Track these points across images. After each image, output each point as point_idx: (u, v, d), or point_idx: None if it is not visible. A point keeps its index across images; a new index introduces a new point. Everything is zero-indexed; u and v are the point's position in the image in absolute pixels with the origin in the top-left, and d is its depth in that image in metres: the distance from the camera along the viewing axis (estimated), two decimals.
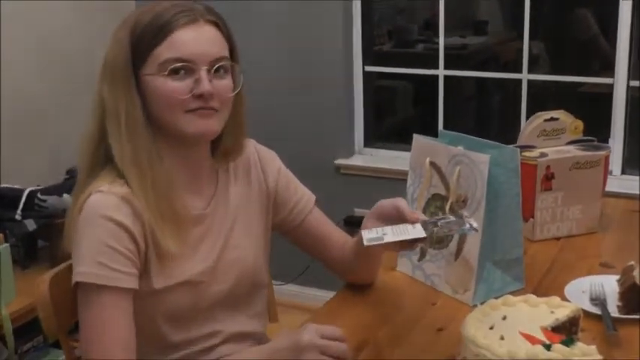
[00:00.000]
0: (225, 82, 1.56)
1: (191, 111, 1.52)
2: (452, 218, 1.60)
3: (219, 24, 1.56)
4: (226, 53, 1.57)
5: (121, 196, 1.50)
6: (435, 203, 1.84)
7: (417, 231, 1.55)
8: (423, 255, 1.88)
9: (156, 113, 1.54)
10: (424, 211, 1.86)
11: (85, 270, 1.48)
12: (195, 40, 1.51)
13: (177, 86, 1.51)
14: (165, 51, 1.50)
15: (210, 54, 1.52)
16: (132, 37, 1.51)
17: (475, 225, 1.57)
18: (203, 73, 1.51)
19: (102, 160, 1.55)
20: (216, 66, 1.53)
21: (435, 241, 1.82)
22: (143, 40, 1.51)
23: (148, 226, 1.51)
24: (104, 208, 1.49)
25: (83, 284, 1.48)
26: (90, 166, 1.56)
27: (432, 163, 1.84)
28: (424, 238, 1.55)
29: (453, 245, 1.79)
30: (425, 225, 1.56)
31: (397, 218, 1.61)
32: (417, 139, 1.91)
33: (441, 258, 1.83)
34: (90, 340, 1.48)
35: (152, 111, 1.54)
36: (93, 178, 1.54)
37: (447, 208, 1.79)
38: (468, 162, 1.75)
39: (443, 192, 1.82)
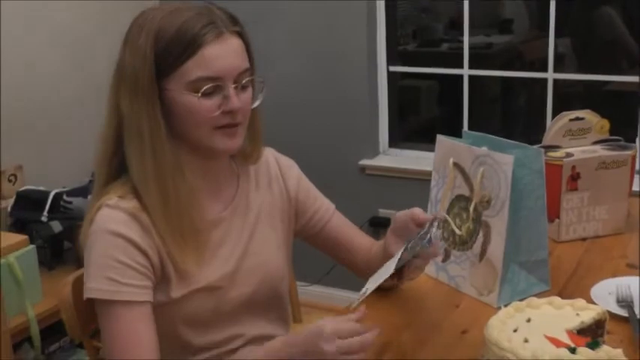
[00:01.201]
0: (248, 95, 1.55)
1: (219, 127, 1.51)
2: (426, 230, 1.58)
3: (241, 33, 1.54)
4: (248, 63, 1.55)
5: (128, 212, 1.49)
6: (459, 204, 1.83)
7: (390, 266, 1.52)
8: (447, 256, 1.87)
9: (180, 128, 1.52)
10: (448, 212, 1.85)
11: (94, 286, 1.48)
12: (223, 55, 1.48)
13: (208, 105, 1.48)
14: (195, 68, 1.46)
15: (236, 67, 1.50)
16: (156, 49, 1.46)
17: (432, 236, 1.56)
18: (232, 90, 1.49)
19: (116, 169, 1.54)
20: (243, 82, 1.52)
21: (459, 242, 1.82)
22: (169, 55, 1.46)
23: (160, 241, 1.51)
24: (111, 224, 1.48)
25: (97, 299, 1.49)
26: (105, 176, 1.55)
27: (456, 164, 1.83)
28: (395, 274, 1.53)
29: (477, 246, 1.78)
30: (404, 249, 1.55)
31: (414, 227, 1.60)
32: (441, 139, 1.90)
33: (465, 259, 1.82)
34: (113, 353, 1.48)
35: (175, 125, 1.52)
36: (107, 188, 1.54)
37: (471, 209, 1.78)
38: (492, 163, 1.73)
39: (467, 193, 1.81)
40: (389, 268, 1.52)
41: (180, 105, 1.49)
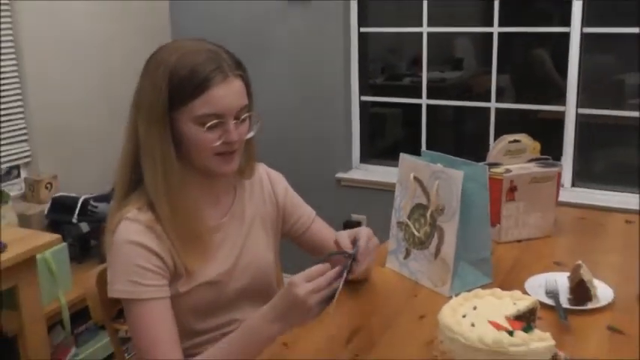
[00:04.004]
0: (245, 127, 1.53)
1: (218, 154, 1.50)
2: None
3: (243, 76, 1.52)
4: (246, 101, 1.52)
5: (145, 224, 1.48)
6: (418, 211, 1.83)
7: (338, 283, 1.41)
8: (408, 255, 1.87)
9: (186, 152, 1.50)
10: (409, 218, 1.85)
11: (119, 288, 1.47)
12: (227, 96, 1.46)
13: (210, 137, 1.47)
14: (202, 105, 1.44)
15: (237, 106, 1.48)
16: (169, 86, 1.44)
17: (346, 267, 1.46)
18: (232, 125, 1.48)
19: (134, 183, 1.52)
20: (241, 118, 1.50)
21: (417, 242, 1.82)
22: (181, 92, 1.44)
23: (172, 246, 1.49)
24: (131, 234, 1.47)
25: (123, 299, 1.48)
26: (124, 189, 1.53)
27: (416, 178, 1.83)
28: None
29: (432, 247, 1.78)
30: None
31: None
32: (403, 157, 1.90)
33: (423, 257, 1.81)
34: (140, 344, 1.47)
35: (183, 149, 1.50)
36: (126, 199, 1.52)
37: (428, 215, 1.78)
38: (446, 177, 1.73)
39: (425, 202, 1.81)
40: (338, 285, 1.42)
41: (187, 134, 1.47)
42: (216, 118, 1.46)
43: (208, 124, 1.45)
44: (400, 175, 1.90)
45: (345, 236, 1.55)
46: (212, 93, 1.44)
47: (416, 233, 1.83)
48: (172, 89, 1.44)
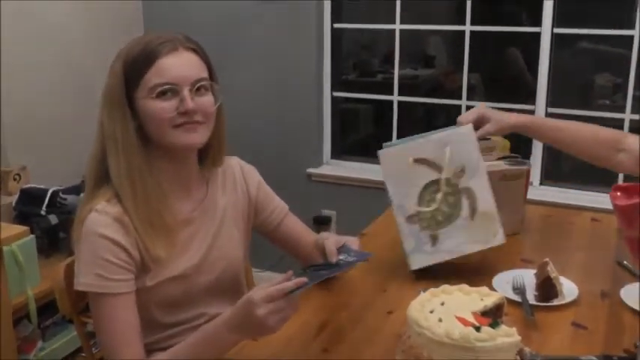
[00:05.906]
0: (206, 99, 1.52)
1: (178, 126, 1.49)
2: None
3: (197, 50, 1.52)
4: (205, 74, 1.52)
5: (113, 217, 1.46)
6: (429, 190, 1.81)
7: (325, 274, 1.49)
8: (435, 240, 1.81)
9: (149, 131, 1.50)
10: (419, 205, 1.81)
11: (85, 281, 1.45)
12: (177, 65, 1.47)
13: (165, 106, 1.47)
14: (152, 77, 1.46)
15: (191, 76, 1.48)
16: (125, 68, 1.47)
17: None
18: (186, 92, 1.47)
19: (103, 176, 1.51)
20: (197, 85, 1.49)
21: (444, 219, 1.81)
22: (134, 69, 1.46)
23: (138, 239, 1.48)
24: (99, 227, 1.45)
25: (89, 292, 1.47)
26: (94, 182, 1.52)
27: (417, 160, 1.80)
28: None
29: (465, 211, 1.78)
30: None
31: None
32: (384, 152, 1.84)
33: (457, 228, 1.79)
34: (102, 337, 1.47)
35: (146, 129, 1.49)
36: (96, 192, 1.51)
37: (444, 186, 1.76)
38: (456, 138, 1.71)
39: (434, 177, 1.78)
40: (322, 275, 1.47)
41: (145, 109, 1.47)
42: (169, 85, 1.46)
43: (159, 90, 1.46)
44: (385, 171, 1.84)
45: (332, 244, 1.54)
46: (161, 62, 1.46)
47: (443, 209, 1.79)
48: (126, 69, 1.47)
